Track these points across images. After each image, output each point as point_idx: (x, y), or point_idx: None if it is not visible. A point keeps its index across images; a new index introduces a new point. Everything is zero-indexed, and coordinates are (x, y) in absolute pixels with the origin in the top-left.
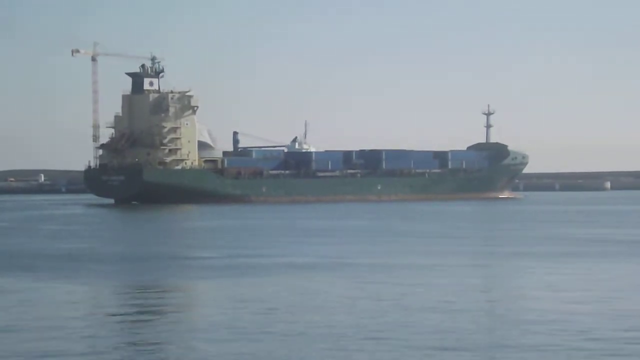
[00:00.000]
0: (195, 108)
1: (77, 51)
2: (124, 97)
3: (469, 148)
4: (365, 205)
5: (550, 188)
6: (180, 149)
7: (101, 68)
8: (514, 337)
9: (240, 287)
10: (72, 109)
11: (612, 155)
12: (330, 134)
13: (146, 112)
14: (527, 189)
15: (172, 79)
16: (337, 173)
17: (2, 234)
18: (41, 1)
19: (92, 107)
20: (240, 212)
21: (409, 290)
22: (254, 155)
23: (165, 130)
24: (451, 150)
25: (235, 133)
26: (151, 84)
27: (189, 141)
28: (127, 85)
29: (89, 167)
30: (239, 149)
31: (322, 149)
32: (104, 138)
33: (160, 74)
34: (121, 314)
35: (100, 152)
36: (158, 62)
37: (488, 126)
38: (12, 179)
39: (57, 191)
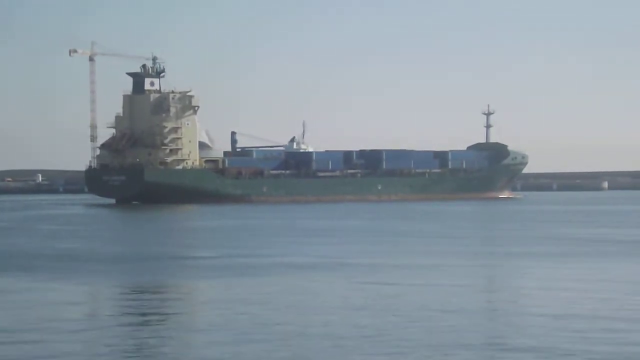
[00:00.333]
0: (196, 108)
1: (75, 51)
2: (125, 97)
3: (469, 148)
4: (366, 205)
5: (547, 188)
6: (181, 149)
7: (101, 68)
8: (512, 337)
9: (240, 287)
10: (70, 108)
11: (609, 155)
12: (330, 134)
13: (147, 112)
14: (524, 188)
15: (172, 79)
16: (337, 173)
17: (2, 234)
18: (40, 1)
19: (89, 107)
20: (240, 212)
21: (408, 291)
22: (254, 155)
23: (166, 130)
24: (451, 150)
25: (233, 133)
26: (152, 84)
27: (189, 141)
28: (127, 85)
29: (90, 167)
30: (237, 149)
31: (320, 149)
32: (102, 138)
33: (161, 74)
34: (120, 315)
35: (99, 152)
36: (159, 62)
37: (488, 126)
38: (9, 179)
39: (54, 191)
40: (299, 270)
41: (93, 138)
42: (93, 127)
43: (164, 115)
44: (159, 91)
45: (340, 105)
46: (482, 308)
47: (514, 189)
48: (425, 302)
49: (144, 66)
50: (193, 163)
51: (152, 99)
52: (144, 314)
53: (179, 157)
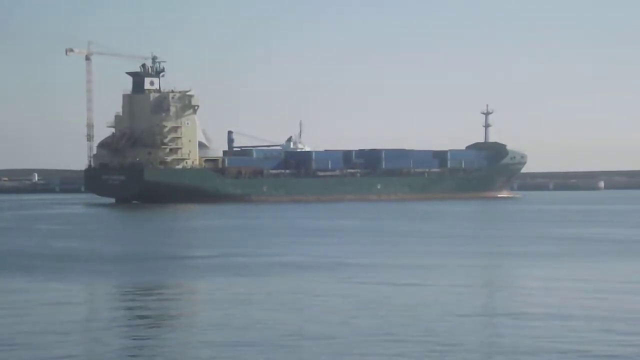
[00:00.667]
0: (196, 107)
1: (71, 50)
2: (125, 96)
3: (467, 148)
4: (365, 204)
5: (544, 187)
6: (181, 148)
7: (101, 68)
8: (509, 337)
9: (239, 287)
10: (66, 108)
11: (606, 154)
12: (329, 133)
13: (147, 111)
14: (521, 188)
15: (172, 79)
16: (337, 172)
17: (1, 234)
18: (39, 0)
19: (86, 106)
20: (240, 211)
21: (406, 291)
22: (254, 154)
23: (166, 129)
24: (450, 150)
25: (230, 132)
26: (152, 83)
27: (189, 140)
28: (126, 85)
29: (90, 166)
30: (234, 148)
31: (317, 149)
32: (99, 137)
33: (161, 74)
34: (119, 315)
35: (95, 151)
36: (158, 62)
37: (487, 126)
38: (5, 179)
39: (51, 190)
40: (298, 270)
41: (90, 137)
42: (90, 126)
43: (163, 114)
44: (159, 91)
45: (339, 105)
46: (481, 308)
47: (510, 189)
48: (423, 302)
49: (143, 66)
50: (193, 162)
51: (151, 98)
52: (142, 314)
53: (178, 156)
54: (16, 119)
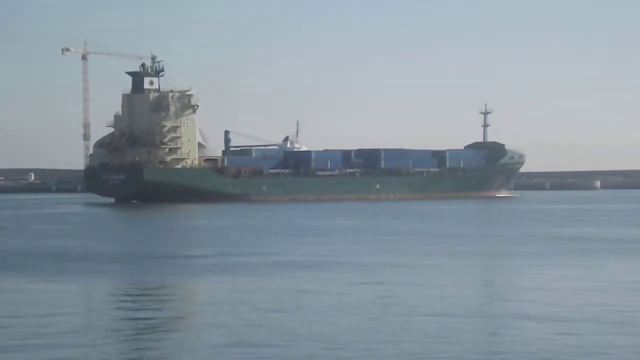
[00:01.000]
0: (196, 107)
1: (67, 50)
2: (124, 96)
3: (466, 147)
4: (364, 204)
5: (540, 187)
6: (180, 148)
7: (100, 67)
8: (506, 337)
9: (237, 287)
10: (63, 108)
11: (602, 154)
12: (329, 133)
13: (146, 111)
14: (517, 187)
15: (171, 78)
16: (336, 172)
17: (1, 234)
18: (38, 0)
19: (82, 106)
20: (240, 211)
21: (404, 291)
22: (253, 154)
23: (166, 129)
24: (449, 150)
25: (226, 132)
26: (151, 83)
27: (189, 140)
28: (126, 84)
29: (89, 166)
30: (231, 148)
31: (313, 148)
32: (95, 137)
33: (160, 73)
34: (116, 316)
35: (92, 150)
36: (158, 62)
37: (485, 125)
38: (1, 178)
39: (47, 190)
40: (298, 270)
41: (86, 137)
42: (86, 126)
43: (163, 114)
44: (158, 90)
45: (339, 104)
46: (478, 309)
47: (508, 188)
48: (421, 302)
49: (143, 65)
50: (192, 162)
51: (151, 98)
52: (140, 316)
53: (178, 156)
54: (13, 119)
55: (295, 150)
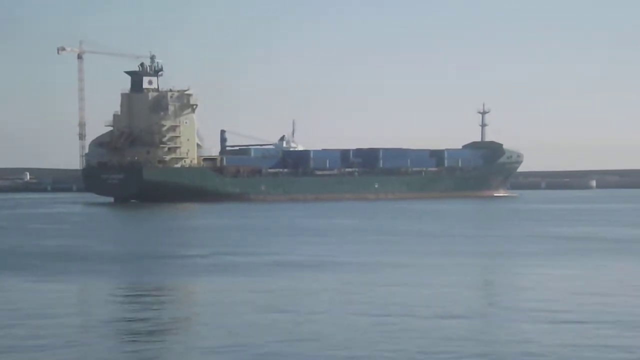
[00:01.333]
0: (195, 107)
1: (63, 49)
2: (123, 95)
3: (464, 147)
4: (363, 203)
5: (536, 186)
6: (179, 147)
7: (99, 67)
8: (503, 337)
9: (235, 286)
10: (59, 107)
11: (597, 154)
12: (327, 133)
13: (145, 110)
14: (513, 187)
15: (171, 78)
16: (334, 172)
17: (1, 234)
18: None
19: (78, 105)
20: (239, 210)
21: (402, 290)
22: (252, 153)
23: (165, 128)
24: (447, 149)
25: (222, 132)
26: (150, 82)
27: (188, 139)
28: (125, 84)
29: (88, 165)
30: (226, 148)
31: (309, 147)
32: (91, 136)
33: (159, 73)
34: (114, 315)
35: (87, 150)
36: (157, 61)
37: (483, 125)
38: None
39: (42, 190)
40: (297, 270)
41: (81, 136)
42: (82, 125)
43: (162, 113)
44: (157, 90)
45: (338, 104)
46: (477, 309)
47: (504, 188)
48: (420, 302)
49: (142, 65)
50: (191, 161)
51: (150, 97)
52: (139, 314)
53: (177, 155)
54: (8, 118)
55: (294, 150)
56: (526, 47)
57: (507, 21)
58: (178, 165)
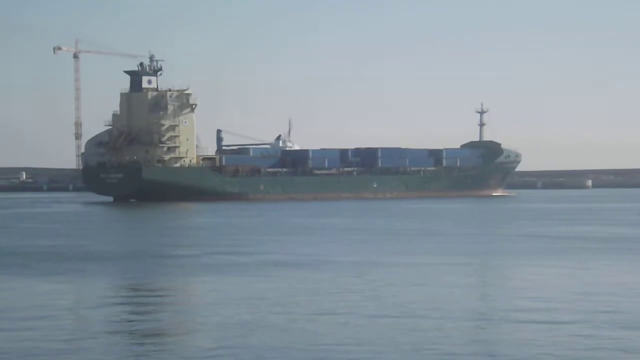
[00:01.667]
0: (194, 106)
1: (59, 48)
2: (122, 95)
3: (462, 146)
4: (361, 203)
5: (532, 186)
6: (178, 146)
7: (99, 67)
8: (500, 337)
9: (232, 286)
10: (56, 107)
11: (593, 153)
12: (326, 132)
13: (145, 110)
14: (509, 186)
15: (170, 78)
16: (333, 171)
17: (3, 234)
18: (38, 0)
19: (74, 105)
20: (238, 210)
21: (399, 291)
22: (251, 153)
23: (164, 128)
24: (445, 149)
25: (218, 131)
26: (149, 82)
27: (187, 139)
28: (124, 83)
29: (87, 164)
30: (222, 147)
31: (306, 147)
32: (87, 136)
33: (159, 72)
34: (112, 315)
35: (83, 149)
36: (156, 61)
37: (481, 124)
38: None
39: (38, 189)
40: (296, 270)
41: (78, 136)
42: (78, 124)
43: (161, 113)
44: (157, 89)
45: (336, 103)
46: (475, 309)
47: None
48: (417, 301)
49: (141, 64)
50: (190, 161)
51: (149, 97)
52: (137, 315)
53: (176, 155)
54: (5, 118)
55: (293, 149)
56: (525, 47)
57: (506, 21)
58: (177, 165)
